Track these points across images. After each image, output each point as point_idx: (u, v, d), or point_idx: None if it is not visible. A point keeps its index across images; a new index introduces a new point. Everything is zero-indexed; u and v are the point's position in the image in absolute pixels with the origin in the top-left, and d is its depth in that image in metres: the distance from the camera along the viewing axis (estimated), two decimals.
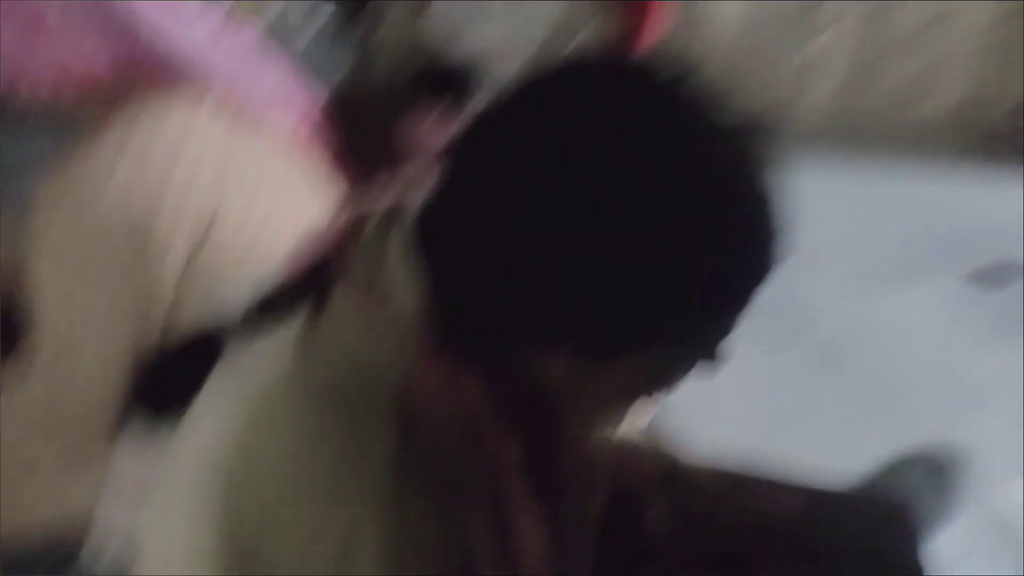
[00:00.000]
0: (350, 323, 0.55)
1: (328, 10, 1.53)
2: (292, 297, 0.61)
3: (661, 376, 0.58)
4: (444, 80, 1.32)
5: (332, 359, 0.55)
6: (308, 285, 0.60)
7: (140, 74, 0.90)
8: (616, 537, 0.95)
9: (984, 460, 1.84)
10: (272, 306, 0.62)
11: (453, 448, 0.54)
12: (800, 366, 2.09)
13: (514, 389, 0.57)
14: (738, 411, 1.94)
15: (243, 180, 0.91)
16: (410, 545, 0.51)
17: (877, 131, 2.40)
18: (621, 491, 0.86)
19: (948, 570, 1.61)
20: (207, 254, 0.86)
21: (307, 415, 0.53)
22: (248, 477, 0.54)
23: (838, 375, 2.07)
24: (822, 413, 1.96)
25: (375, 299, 0.55)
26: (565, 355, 0.53)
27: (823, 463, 1.74)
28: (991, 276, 2.26)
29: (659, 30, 1.18)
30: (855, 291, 2.35)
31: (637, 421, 0.95)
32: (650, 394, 0.60)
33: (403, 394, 0.54)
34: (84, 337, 0.86)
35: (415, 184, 0.56)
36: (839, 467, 1.77)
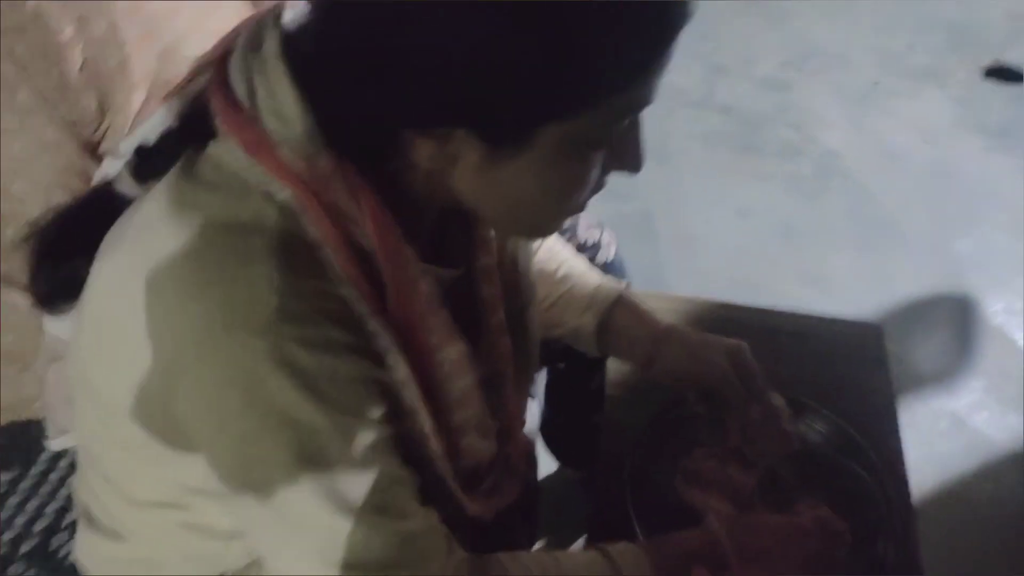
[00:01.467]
0: (231, 146, 0.52)
1: None
2: (178, 137, 0.57)
3: (566, 159, 0.53)
4: None
5: (216, 184, 0.52)
6: (192, 120, 0.57)
7: None
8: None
9: (972, 271, 1.85)
10: (161, 150, 0.58)
11: (355, 269, 0.52)
12: (796, 188, 2.06)
13: (411, 190, 0.55)
14: (728, 240, 1.93)
15: None
16: (319, 377, 0.49)
17: None
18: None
19: (943, 381, 1.64)
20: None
21: (195, 259, 0.50)
22: (150, 339, 0.51)
23: (836, 193, 2.04)
24: (819, 235, 1.94)
25: (254, 118, 0.52)
26: (461, 140, 0.51)
27: (811, 288, 1.80)
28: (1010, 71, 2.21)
29: None
30: (858, 101, 2.30)
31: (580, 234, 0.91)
32: (562, 188, 0.55)
33: (292, 217, 0.51)
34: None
35: None
36: (827, 292, 1.80)
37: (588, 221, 0.99)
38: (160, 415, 0.54)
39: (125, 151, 0.60)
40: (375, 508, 0.52)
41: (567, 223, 0.98)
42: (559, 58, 0.47)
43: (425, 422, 0.56)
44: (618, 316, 0.82)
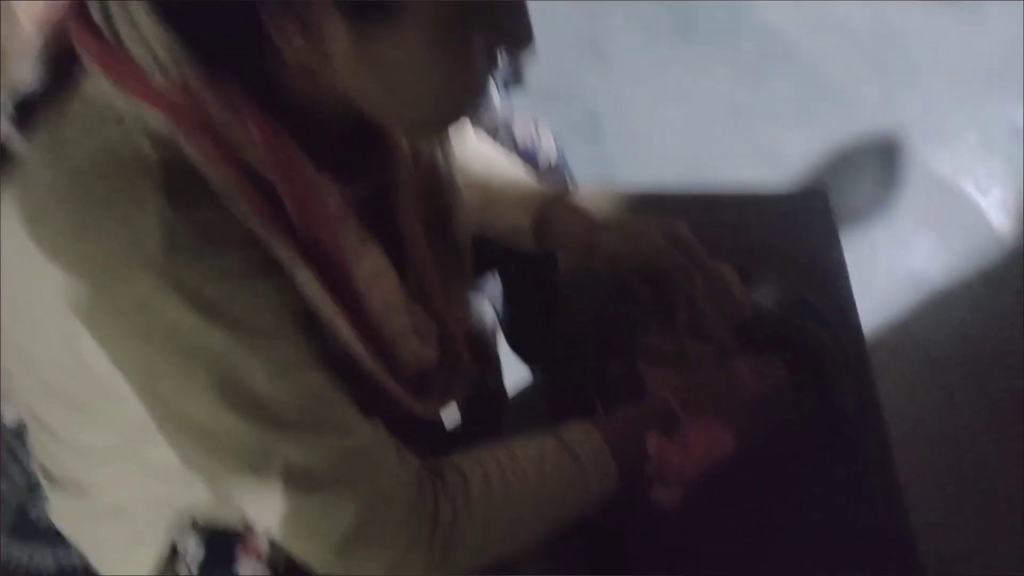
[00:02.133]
0: (99, 80, 0.49)
1: None
2: (50, 80, 0.53)
3: (442, 37, 0.49)
4: None
5: (88, 122, 0.49)
6: (60, 60, 0.53)
7: None
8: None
9: (919, 129, 1.86)
10: (35, 98, 0.54)
11: (247, 188, 0.49)
12: (739, 69, 2.04)
13: (296, 97, 0.52)
14: (676, 130, 1.92)
15: None
16: (220, 302, 0.47)
17: None
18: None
19: (896, 238, 1.67)
20: None
21: (75, 202, 0.47)
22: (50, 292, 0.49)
23: (778, 74, 2.03)
24: (766, 114, 1.93)
25: (118, 46, 0.49)
26: (327, 22, 0.47)
27: (764, 168, 1.81)
28: None
29: None
30: None
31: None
32: (445, 71, 0.52)
33: (169, 145, 0.48)
34: None
35: None
36: (780, 170, 1.81)
37: (525, 124, 0.97)
38: (78, 366, 0.52)
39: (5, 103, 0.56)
40: (310, 426, 0.51)
41: (500, 127, 0.96)
42: None
43: (347, 334, 0.54)
44: (552, 212, 0.81)
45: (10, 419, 0.90)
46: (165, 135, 0.48)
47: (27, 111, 0.54)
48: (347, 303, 0.55)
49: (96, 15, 0.49)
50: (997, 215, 1.70)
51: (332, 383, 0.53)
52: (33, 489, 0.91)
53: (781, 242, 0.99)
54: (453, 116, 0.56)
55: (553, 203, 0.81)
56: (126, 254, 0.46)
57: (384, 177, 0.64)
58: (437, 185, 0.70)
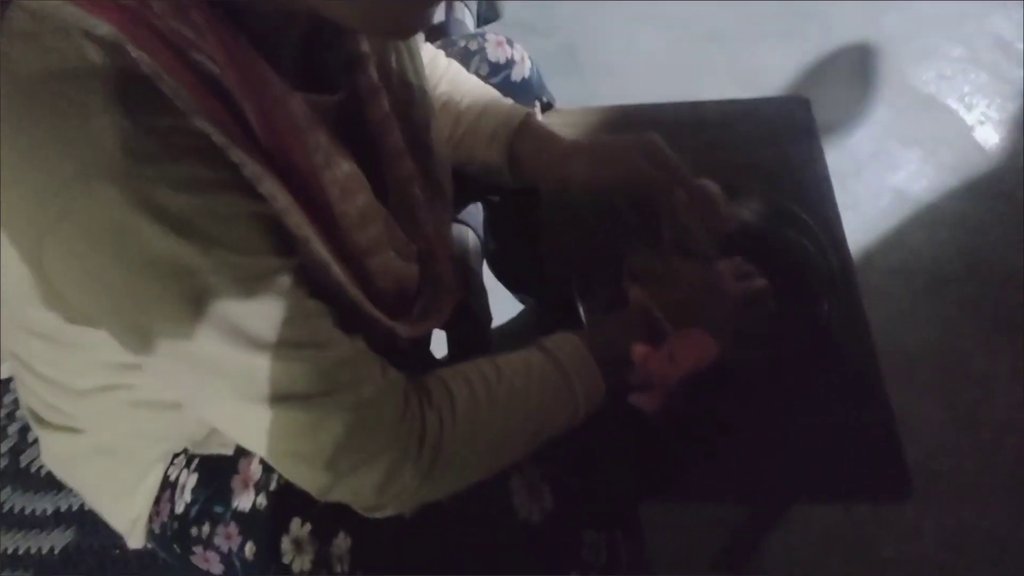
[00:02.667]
0: None
1: None
2: None
3: None
4: None
5: (33, 34, 0.46)
6: None
7: None
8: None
9: (901, 45, 1.84)
10: None
11: (206, 97, 0.47)
12: None
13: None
14: (656, 58, 1.89)
15: None
16: (190, 216, 0.45)
17: None
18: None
19: (881, 155, 1.66)
20: None
21: (25, 118, 0.45)
22: (8, 218, 0.48)
23: None
24: (748, 35, 1.90)
25: None
26: None
27: (746, 91, 1.78)
28: None
29: None
30: None
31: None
32: None
33: (119, 53, 0.45)
34: None
35: None
36: (762, 91, 1.78)
37: (498, 39, 0.95)
38: (51, 296, 0.51)
39: None
40: (290, 343, 0.50)
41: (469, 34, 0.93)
42: None
43: (319, 247, 0.53)
44: (523, 144, 0.79)
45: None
46: (111, 43, 0.45)
47: None
48: (317, 215, 0.53)
49: None
50: (982, 130, 1.69)
51: (310, 298, 0.52)
52: (25, 436, 0.92)
53: (763, 150, 0.98)
54: (417, 13, 0.51)
55: (521, 136, 0.80)
56: (89, 168, 0.44)
57: (351, 82, 0.62)
58: (410, 99, 0.68)
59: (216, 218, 0.47)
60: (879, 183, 1.62)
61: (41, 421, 0.69)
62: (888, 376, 0.81)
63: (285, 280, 0.50)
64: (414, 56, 0.69)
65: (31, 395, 0.68)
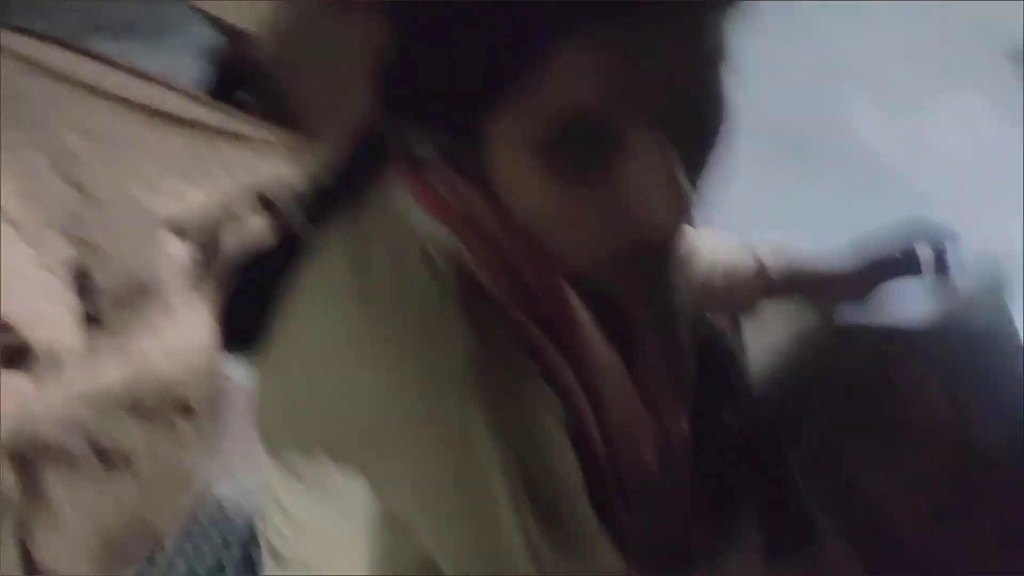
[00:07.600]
0: (402, 194, 0.52)
1: None
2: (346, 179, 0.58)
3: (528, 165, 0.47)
4: None
5: (387, 238, 0.52)
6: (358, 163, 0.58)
7: None
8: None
9: None
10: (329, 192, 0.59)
11: (513, 288, 0.51)
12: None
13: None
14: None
15: None
16: (520, 428, 0.49)
17: None
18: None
19: None
20: None
21: (379, 328, 0.50)
22: (340, 414, 0.53)
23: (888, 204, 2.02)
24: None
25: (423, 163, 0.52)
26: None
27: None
28: None
29: None
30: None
31: None
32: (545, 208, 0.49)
33: (459, 256, 0.51)
34: None
35: None
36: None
37: None
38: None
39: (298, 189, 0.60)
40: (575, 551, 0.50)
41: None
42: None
43: (593, 429, 0.55)
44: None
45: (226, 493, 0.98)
46: (454, 248, 0.50)
47: (321, 200, 0.58)
48: (590, 400, 0.55)
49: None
50: None
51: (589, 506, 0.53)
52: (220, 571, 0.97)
53: None
54: (616, 264, 0.51)
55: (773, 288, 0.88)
56: (439, 383, 0.47)
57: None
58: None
59: (540, 426, 0.50)
60: None
61: (278, 558, 0.70)
62: None
63: (581, 487, 0.52)
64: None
65: (272, 529, 0.70)
